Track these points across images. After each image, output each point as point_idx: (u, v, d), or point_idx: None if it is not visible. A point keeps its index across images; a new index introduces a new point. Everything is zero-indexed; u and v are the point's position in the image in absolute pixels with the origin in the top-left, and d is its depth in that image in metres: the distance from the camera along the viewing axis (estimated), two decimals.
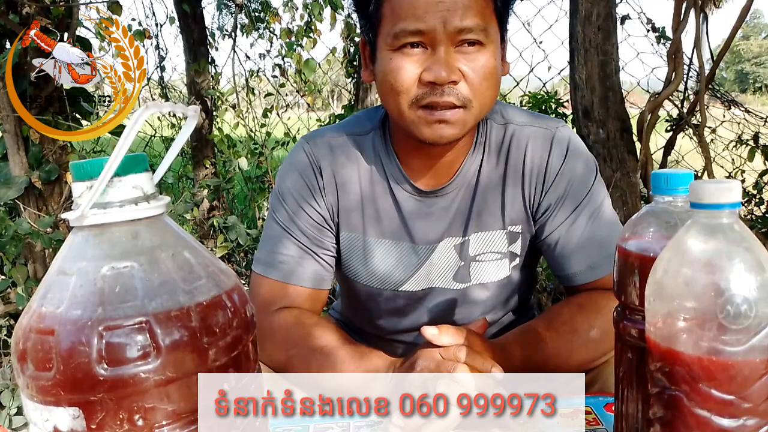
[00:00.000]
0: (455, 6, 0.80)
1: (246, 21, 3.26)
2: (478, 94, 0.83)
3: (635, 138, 2.04)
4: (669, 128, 2.24)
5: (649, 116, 1.99)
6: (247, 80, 3.22)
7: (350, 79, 3.39)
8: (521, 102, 2.62)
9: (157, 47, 3.56)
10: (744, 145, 2.56)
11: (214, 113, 3.17)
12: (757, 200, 2.64)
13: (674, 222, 0.55)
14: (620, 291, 0.58)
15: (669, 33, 2.18)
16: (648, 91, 2.35)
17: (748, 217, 2.62)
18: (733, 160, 2.69)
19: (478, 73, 0.82)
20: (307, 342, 0.89)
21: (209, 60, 3.29)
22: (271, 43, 3.37)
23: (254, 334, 0.47)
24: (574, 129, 2.06)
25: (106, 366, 0.38)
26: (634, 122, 2.05)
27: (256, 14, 3.31)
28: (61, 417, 0.39)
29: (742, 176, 2.70)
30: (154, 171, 0.46)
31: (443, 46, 0.81)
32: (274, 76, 3.27)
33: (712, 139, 2.54)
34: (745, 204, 2.64)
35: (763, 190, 2.62)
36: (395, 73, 0.83)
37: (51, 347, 0.38)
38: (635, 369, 0.57)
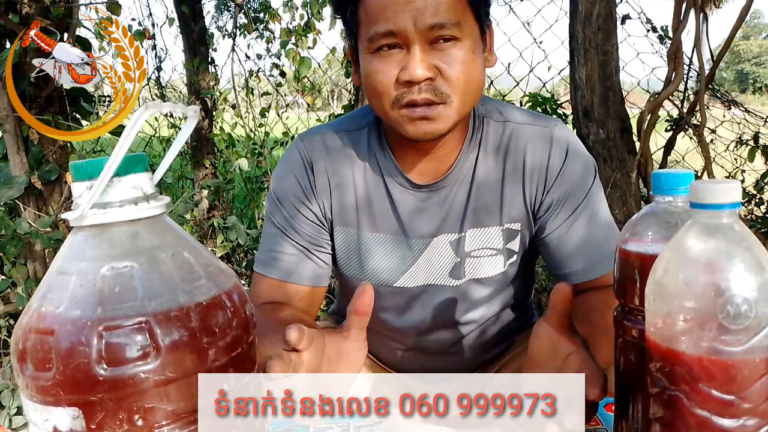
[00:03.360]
0: (425, 4, 0.80)
1: (245, 21, 3.26)
2: (457, 88, 0.84)
3: (635, 138, 2.04)
4: (669, 128, 2.24)
5: (649, 116, 1.99)
6: (246, 80, 3.21)
7: (350, 79, 3.38)
8: (521, 103, 2.62)
9: (154, 47, 3.55)
10: (744, 145, 2.56)
11: (214, 113, 3.17)
12: (757, 200, 2.64)
13: (675, 222, 0.55)
14: (620, 291, 0.58)
15: (669, 33, 2.19)
16: (648, 91, 2.35)
17: (748, 217, 2.62)
18: (735, 159, 2.69)
19: (455, 68, 0.83)
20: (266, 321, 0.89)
21: (209, 60, 3.28)
22: (270, 43, 3.37)
23: (254, 334, 0.47)
24: (574, 129, 2.06)
25: (105, 366, 0.38)
26: (634, 122, 2.05)
27: (255, 14, 3.30)
28: (61, 417, 0.39)
29: (742, 176, 2.70)
30: (153, 171, 0.46)
31: (417, 44, 0.81)
32: (272, 76, 3.27)
33: (712, 139, 2.54)
34: (745, 204, 2.64)
35: (764, 190, 2.61)
36: (374, 75, 0.85)
37: (51, 347, 0.38)
38: (635, 369, 0.57)
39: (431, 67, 0.82)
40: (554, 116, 2.40)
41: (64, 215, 0.43)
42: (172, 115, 3.38)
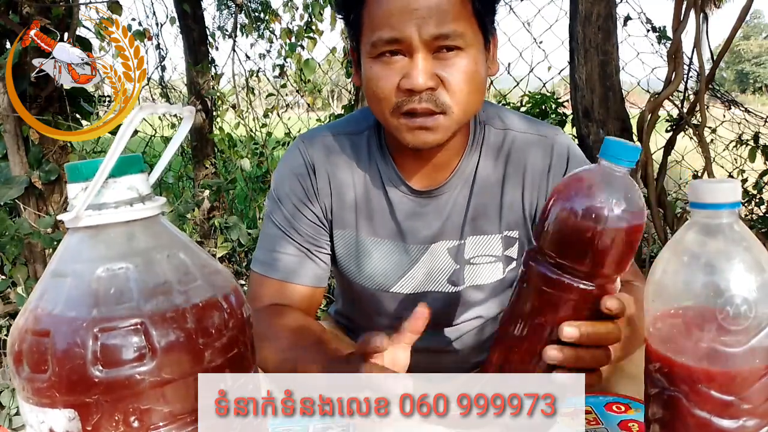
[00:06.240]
0: (429, 13, 0.79)
1: (246, 21, 3.26)
2: (459, 99, 0.83)
3: (635, 138, 2.04)
4: (669, 128, 2.24)
5: (649, 116, 1.99)
6: (247, 80, 3.21)
7: (350, 79, 3.38)
8: (521, 102, 2.62)
9: (158, 47, 3.55)
10: (744, 145, 2.56)
11: (214, 113, 3.17)
12: (757, 200, 2.64)
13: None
14: (537, 235, 0.59)
15: (669, 33, 2.18)
16: (648, 91, 2.35)
17: (748, 217, 2.62)
18: (735, 159, 2.69)
19: (457, 78, 0.82)
20: (287, 337, 0.88)
21: (209, 60, 3.28)
22: (271, 43, 3.37)
23: (251, 335, 0.47)
24: (574, 129, 2.06)
25: (101, 368, 0.38)
26: (634, 122, 2.05)
27: (256, 14, 3.30)
28: (57, 419, 0.39)
29: (742, 176, 2.70)
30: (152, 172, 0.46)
31: (420, 53, 0.81)
32: (275, 76, 3.27)
33: (712, 139, 2.54)
34: (745, 204, 2.64)
35: (763, 190, 2.61)
36: (375, 81, 0.84)
37: (46, 349, 0.38)
38: (525, 313, 0.59)
39: (433, 76, 0.81)
40: (554, 116, 2.41)
41: (60, 216, 0.43)
42: (175, 115, 3.38)
